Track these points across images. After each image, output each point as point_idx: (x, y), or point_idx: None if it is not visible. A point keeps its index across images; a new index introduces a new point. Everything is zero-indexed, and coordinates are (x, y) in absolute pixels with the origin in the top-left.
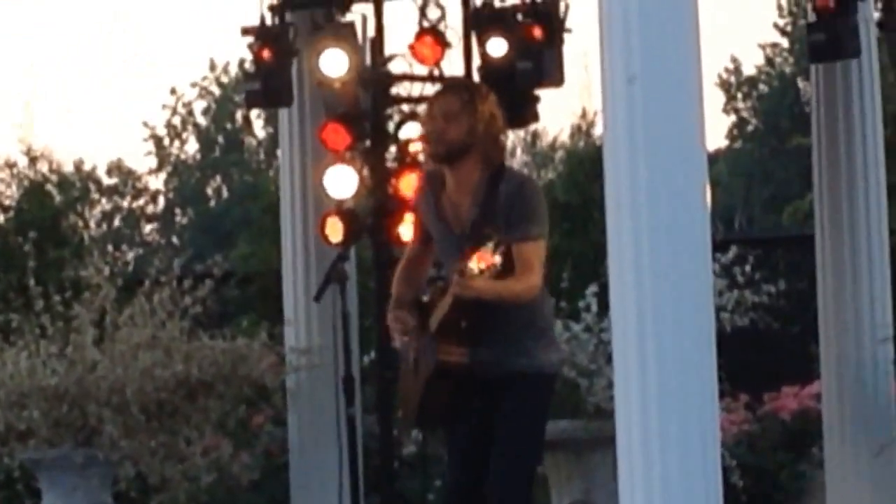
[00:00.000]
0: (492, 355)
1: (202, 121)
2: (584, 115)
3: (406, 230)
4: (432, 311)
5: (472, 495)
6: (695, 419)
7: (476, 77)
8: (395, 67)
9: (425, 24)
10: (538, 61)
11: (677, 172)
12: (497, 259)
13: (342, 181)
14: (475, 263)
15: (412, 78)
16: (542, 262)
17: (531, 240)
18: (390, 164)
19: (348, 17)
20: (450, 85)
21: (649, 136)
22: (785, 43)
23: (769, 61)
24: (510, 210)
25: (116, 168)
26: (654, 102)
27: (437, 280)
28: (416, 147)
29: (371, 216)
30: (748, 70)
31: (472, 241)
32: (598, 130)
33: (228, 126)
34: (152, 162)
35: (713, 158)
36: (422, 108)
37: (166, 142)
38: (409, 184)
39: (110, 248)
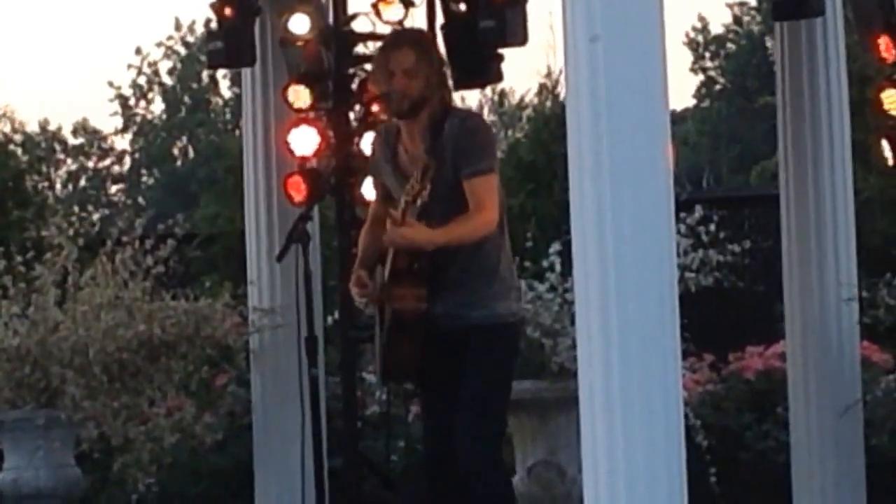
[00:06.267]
0: (448, 307)
1: (168, 80)
2: (548, 74)
3: (369, 190)
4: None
5: (448, 458)
6: (658, 379)
7: (439, 36)
8: (358, 26)
9: None
10: (501, 20)
11: (640, 133)
12: (425, 186)
13: (305, 141)
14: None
15: (376, 37)
16: (495, 197)
17: (480, 174)
18: (353, 124)
19: None
20: (398, 39)
21: (611, 95)
22: (752, 1)
23: (737, 20)
24: (455, 148)
25: (82, 128)
26: (616, 62)
27: None
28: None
29: (334, 176)
30: (716, 29)
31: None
32: (562, 89)
33: (194, 86)
34: (118, 122)
35: (681, 118)
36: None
37: (132, 102)
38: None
39: (76, 208)
